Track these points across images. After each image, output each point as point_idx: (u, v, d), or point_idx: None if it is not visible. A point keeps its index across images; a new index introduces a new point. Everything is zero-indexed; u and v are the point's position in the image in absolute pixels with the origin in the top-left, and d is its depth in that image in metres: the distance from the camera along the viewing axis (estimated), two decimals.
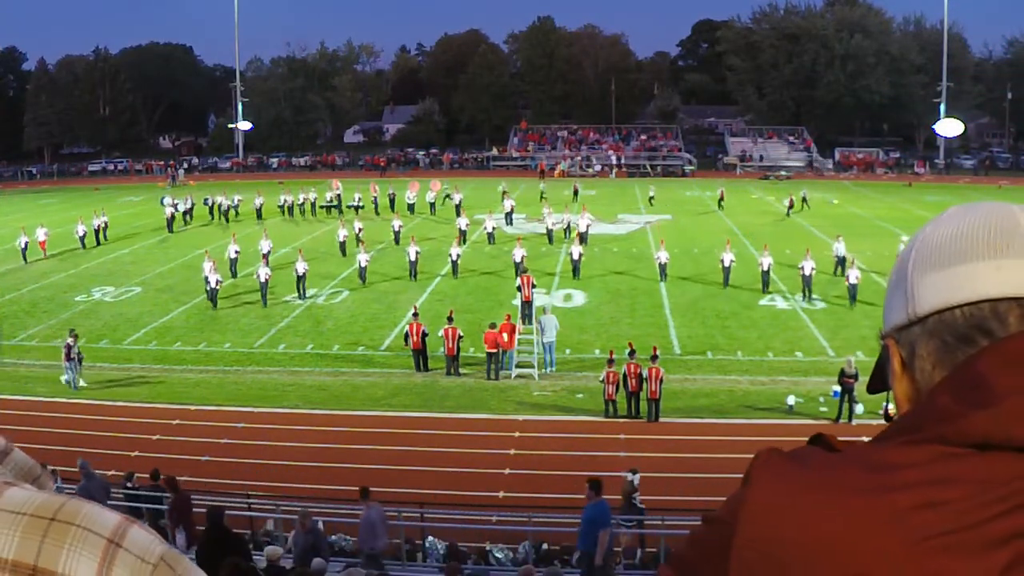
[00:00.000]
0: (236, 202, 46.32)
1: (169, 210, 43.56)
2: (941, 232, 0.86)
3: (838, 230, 34.68)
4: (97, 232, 40.09)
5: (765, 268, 28.54)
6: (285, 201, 46.47)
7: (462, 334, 21.67)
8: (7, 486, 0.79)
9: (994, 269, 0.81)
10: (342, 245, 34.97)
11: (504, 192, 47.61)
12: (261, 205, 45.22)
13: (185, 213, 44.97)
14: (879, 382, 0.96)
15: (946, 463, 0.75)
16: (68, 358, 21.34)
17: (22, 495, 0.78)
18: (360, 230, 36.83)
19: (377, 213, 45.78)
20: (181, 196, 47.53)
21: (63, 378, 21.66)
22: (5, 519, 0.75)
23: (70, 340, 21.65)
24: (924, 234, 0.89)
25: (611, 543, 11.62)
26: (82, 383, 21.50)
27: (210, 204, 46.36)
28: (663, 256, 30.26)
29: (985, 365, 0.79)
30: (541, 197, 49.25)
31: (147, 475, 14.44)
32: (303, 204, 46.59)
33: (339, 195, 46.98)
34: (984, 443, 0.75)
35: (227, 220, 44.71)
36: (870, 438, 0.85)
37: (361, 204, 46.17)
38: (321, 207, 46.81)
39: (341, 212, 44.56)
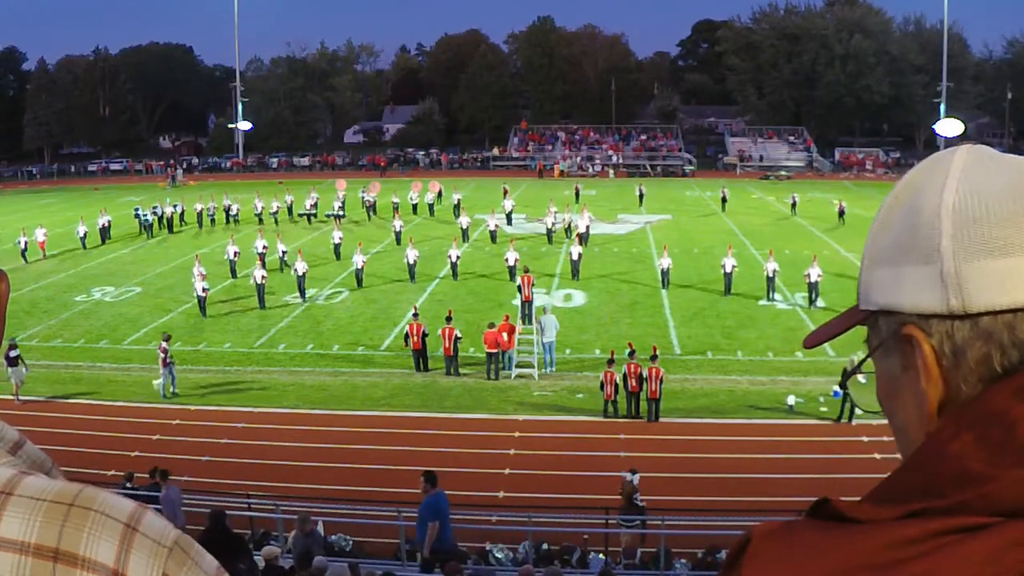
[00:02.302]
0: (235, 211, 44.46)
1: (150, 216, 42.03)
2: (987, 200, 0.68)
3: (839, 230, 34.68)
4: (103, 231, 40.12)
5: (770, 274, 27.70)
6: (262, 208, 43.94)
7: (460, 335, 21.67)
8: (24, 475, 0.82)
9: None
10: (336, 247, 34.71)
11: (505, 191, 47.62)
12: (262, 209, 43.97)
13: (161, 218, 42.88)
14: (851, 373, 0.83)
15: (970, 543, 0.60)
16: (165, 363, 20.57)
17: (40, 482, 0.81)
18: (340, 239, 35.13)
19: (369, 218, 44.61)
20: (162, 201, 45.65)
21: (156, 383, 20.93)
22: (26, 505, 0.78)
23: (164, 344, 20.88)
24: (956, 198, 0.69)
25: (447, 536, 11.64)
26: (173, 389, 20.82)
27: (199, 211, 44.31)
28: (665, 263, 29.57)
29: (1016, 404, 0.64)
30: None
31: (146, 475, 14.45)
32: (276, 212, 43.55)
33: (343, 201, 45.37)
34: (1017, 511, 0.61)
35: (228, 221, 44.28)
36: (881, 498, 0.69)
37: (342, 213, 43.62)
38: (300, 214, 44.65)
39: (340, 219, 42.36)
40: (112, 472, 15.94)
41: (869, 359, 0.80)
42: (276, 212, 43.66)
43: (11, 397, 20.38)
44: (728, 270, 28.64)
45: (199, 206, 44.18)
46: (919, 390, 0.71)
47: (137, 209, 43.80)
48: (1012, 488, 0.61)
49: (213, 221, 44.01)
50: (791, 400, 19.10)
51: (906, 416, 0.74)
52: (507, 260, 31.07)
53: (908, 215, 0.73)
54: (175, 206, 44.66)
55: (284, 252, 32.97)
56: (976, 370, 0.68)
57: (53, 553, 0.76)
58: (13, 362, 20.45)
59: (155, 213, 42.76)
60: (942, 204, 0.70)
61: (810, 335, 0.85)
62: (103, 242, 39.61)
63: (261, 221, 42.67)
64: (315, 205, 44.98)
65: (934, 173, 0.74)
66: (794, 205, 45.75)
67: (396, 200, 45.06)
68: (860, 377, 0.83)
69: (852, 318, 0.80)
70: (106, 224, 40.59)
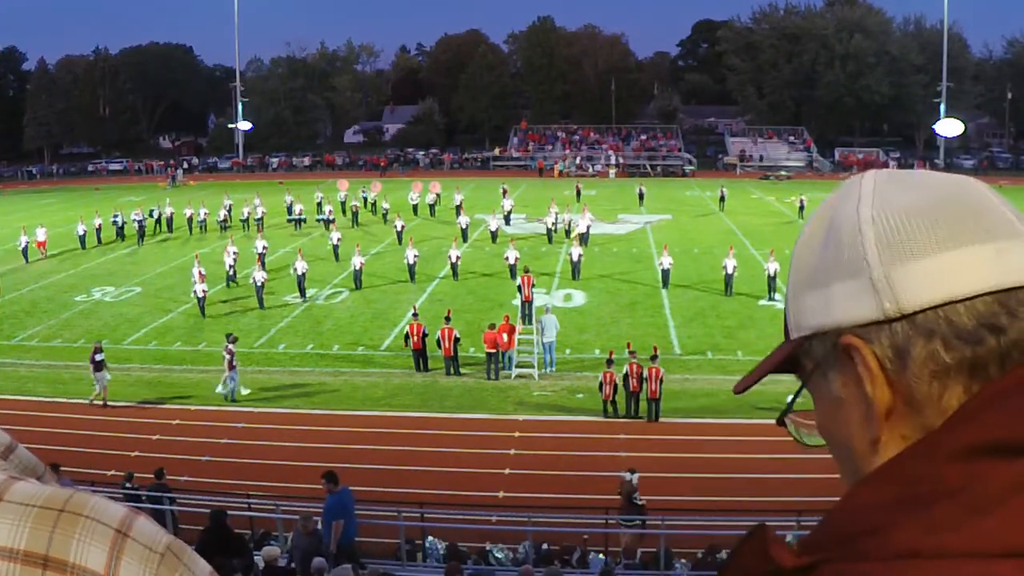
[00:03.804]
0: (223, 216, 43.02)
1: (134, 219, 40.54)
2: (905, 208, 0.72)
3: None
4: (99, 232, 39.99)
5: (772, 274, 27.72)
6: (249, 213, 42.77)
7: (458, 335, 21.67)
8: (13, 480, 0.81)
9: (993, 254, 0.69)
10: (335, 248, 34.55)
11: (504, 191, 47.61)
12: (248, 215, 42.71)
13: (140, 224, 40.74)
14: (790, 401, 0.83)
15: None
16: (231, 366, 20.21)
17: (30, 488, 0.80)
18: (339, 240, 34.80)
19: (355, 226, 42.13)
20: (144, 207, 43.31)
21: (218, 389, 20.54)
22: (15, 511, 0.77)
23: (231, 346, 20.45)
24: (874, 210, 0.73)
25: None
26: (244, 391, 20.49)
27: (169, 216, 43.11)
28: (666, 262, 29.54)
29: (968, 435, 0.65)
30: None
31: (150, 476, 14.47)
32: (261, 219, 41.95)
33: (342, 201, 44.59)
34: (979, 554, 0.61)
35: (223, 229, 42.43)
36: (805, 545, 0.69)
37: (332, 217, 41.55)
38: (289, 220, 43.28)
39: (331, 223, 40.51)
40: (112, 472, 15.95)
41: (805, 390, 0.81)
42: (261, 218, 41.88)
43: (99, 402, 20.10)
44: (730, 271, 28.56)
45: (188, 211, 42.29)
46: (865, 396, 0.72)
47: (116, 216, 41.52)
48: (911, 536, 0.62)
49: (204, 227, 42.36)
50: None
51: (848, 432, 0.75)
52: (507, 259, 31.07)
53: (828, 238, 0.75)
54: (152, 211, 42.95)
55: (264, 250, 32.24)
56: (925, 367, 0.69)
57: (42, 560, 0.74)
58: (99, 366, 20.08)
59: (136, 219, 40.53)
60: (860, 219, 0.73)
61: (739, 381, 0.86)
62: (99, 243, 39.55)
63: (260, 228, 40.40)
64: (301, 211, 43.42)
65: (848, 196, 0.76)
66: (802, 208, 44.05)
67: (387, 206, 44.03)
68: (799, 425, 0.85)
69: (781, 352, 0.81)
70: (97, 227, 40.10)
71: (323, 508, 11.87)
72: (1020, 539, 0.60)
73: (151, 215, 42.58)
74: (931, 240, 0.70)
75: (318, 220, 42.77)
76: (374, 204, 46.05)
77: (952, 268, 0.69)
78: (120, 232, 40.87)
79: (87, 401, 20.22)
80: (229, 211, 43.94)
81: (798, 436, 0.86)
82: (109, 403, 20.12)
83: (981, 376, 0.69)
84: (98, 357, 20.13)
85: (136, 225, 40.39)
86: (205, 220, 42.71)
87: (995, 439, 0.64)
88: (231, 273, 30.93)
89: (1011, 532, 0.60)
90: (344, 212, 44.82)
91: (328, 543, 11.51)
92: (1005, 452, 0.63)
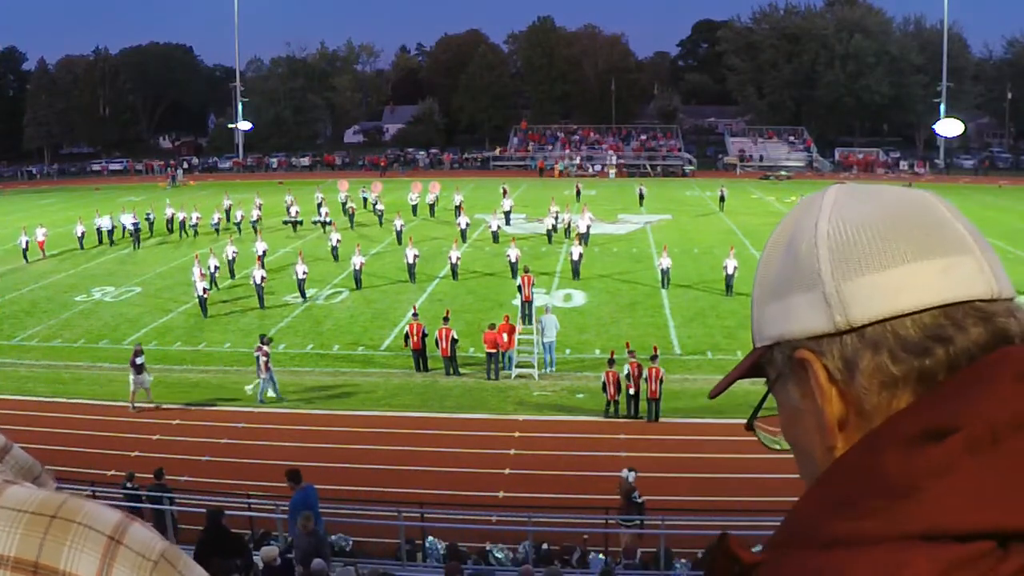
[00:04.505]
0: (217, 220, 41.37)
1: (124, 223, 39.89)
2: (859, 225, 0.74)
3: None
4: (99, 232, 39.83)
5: None
6: (242, 217, 42.09)
7: (456, 336, 21.67)
8: (7, 484, 0.80)
9: (940, 270, 0.72)
10: (334, 250, 34.49)
11: (504, 191, 47.60)
12: (258, 217, 42.17)
13: (113, 230, 40.09)
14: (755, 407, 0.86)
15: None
16: (267, 367, 20.00)
17: (23, 493, 0.78)
18: (338, 241, 34.66)
19: (352, 228, 41.30)
20: (128, 207, 42.79)
21: (248, 388, 20.48)
22: (6, 517, 0.76)
23: (266, 347, 20.20)
24: (830, 226, 0.76)
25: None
26: (271, 394, 20.20)
27: (169, 217, 42.01)
28: (665, 262, 29.61)
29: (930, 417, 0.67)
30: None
31: (150, 476, 14.46)
32: (257, 221, 41.29)
33: (345, 202, 44.06)
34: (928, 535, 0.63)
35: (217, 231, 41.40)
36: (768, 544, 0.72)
37: (328, 219, 40.81)
38: (285, 222, 42.61)
39: (328, 224, 40.05)
40: (112, 472, 15.95)
41: (771, 395, 0.85)
42: (257, 220, 41.42)
43: (149, 405, 19.89)
44: (730, 271, 28.59)
45: (173, 212, 41.44)
46: (817, 409, 0.75)
47: (97, 221, 40.21)
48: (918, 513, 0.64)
49: (196, 232, 41.20)
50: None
51: (808, 440, 0.78)
52: (509, 257, 31.09)
53: (788, 250, 0.79)
54: (148, 215, 41.96)
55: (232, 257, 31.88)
56: (873, 378, 0.72)
57: (33, 567, 0.73)
58: (139, 369, 19.80)
59: (132, 223, 39.73)
60: (817, 234, 0.76)
61: (715, 386, 0.90)
62: (99, 242, 39.48)
63: (256, 231, 39.70)
64: (297, 213, 42.91)
65: (809, 210, 0.79)
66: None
67: (381, 208, 43.41)
68: (764, 431, 0.89)
69: (748, 360, 0.85)
70: (97, 228, 39.87)
71: (288, 506, 12.03)
72: (935, 522, 0.62)
73: (147, 218, 41.73)
74: (882, 255, 0.72)
75: (314, 222, 42.35)
76: (376, 205, 45.49)
77: (900, 283, 0.72)
78: (110, 236, 39.78)
79: (131, 407, 19.73)
80: (228, 212, 43.13)
81: (765, 441, 0.89)
82: (138, 404, 19.80)
83: (930, 386, 0.71)
84: (138, 360, 19.74)
85: (132, 228, 39.54)
86: (196, 224, 41.63)
87: (926, 425, 0.67)
88: (213, 273, 30.07)
89: (927, 516, 0.62)
90: (344, 213, 44.61)
91: (298, 538, 11.56)
92: (932, 437, 0.65)
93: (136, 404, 19.84)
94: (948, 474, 0.63)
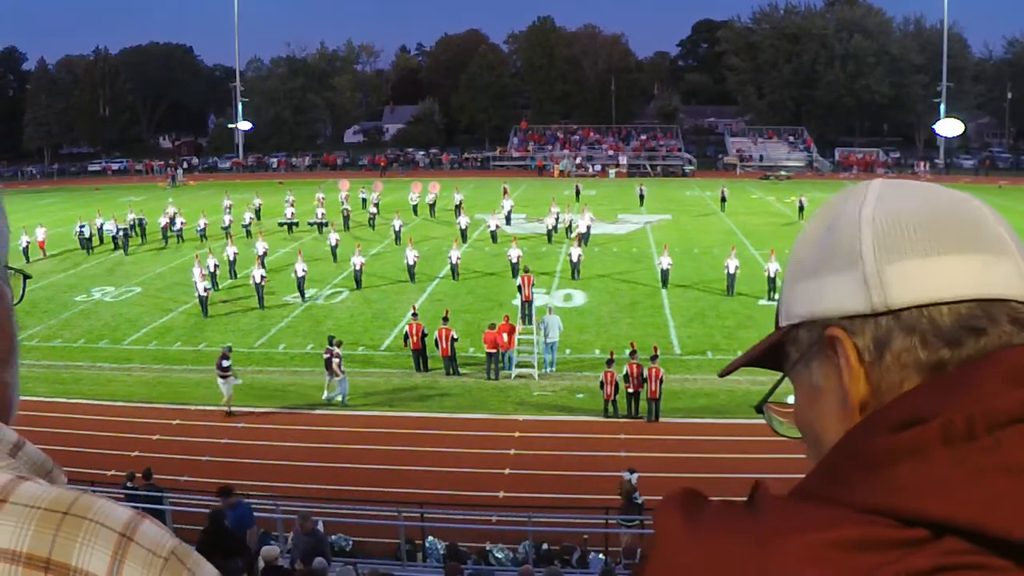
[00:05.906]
0: (204, 225, 39.75)
1: (108, 230, 38.76)
2: (904, 213, 0.76)
3: None
4: (100, 232, 39.60)
5: (771, 274, 27.60)
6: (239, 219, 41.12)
7: (456, 336, 21.65)
8: (21, 480, 0.80)
9: (981, 265, 0.73)
10: (333, 250, 34.39)
11: (505, 191, 47.57)
12: (251, 220, 41.58)
13: (99, 233, 39.10)
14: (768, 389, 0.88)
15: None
16: (340, 370, 19.72)
17: (36, 489, 0.79)
18: (337, 241, 34.50)
19: (347, 229, 40.56)
20: (110, 212, 41.13)
21: (326, 396, 20.02)
22: (19, 513, 0.76)
23: (337, 349, 19.85)
24: (875, 212, 0.77)
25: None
26: (338, 397, 19.88)
27: (163, 224, 39.83)
28: (665, 262, 29.54)
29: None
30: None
31: (140, 475, 14.47)
32: (249, 225, 40.50)
33: (345, 203, 43.54)
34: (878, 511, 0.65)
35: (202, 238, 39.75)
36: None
37: (324, 220, 40.20)
38: (280, 224, 42.08)
39: (324, 226, 39.66)
40: (112, 472, 15.94)
41: (786, 380, 0.86)
42: (249, 224, 40.83)
43: (224, 408, 19.44)
44: (731, 271, 28.49)
45: (179, 221, 40.14)
46: (841, 388, 0.76)
47: (81, 226, 38.80)
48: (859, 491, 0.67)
49: (180, 238, 39.68)
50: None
51: (825, 422, 0.79)
52: (510, 257, 31.08)
53: (829, 232, 0.80)
54: (141, 220, 41.19)
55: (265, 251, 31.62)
56: (899, 361, 0.73)
57: (44, 563, 0.74)
58: (225, 372, 19.28)
59: (100, 228, 39.22)
60: (861, 218, 0.77)
61: (728, 365, 0.91)
62: (101, 242, 39.41)
63: (249, 234, 39.11)
64: (293, 215, 42.49)
65: (853, 197, 0.81)
66: (801, 209, 43.64)
67: (375, 211, 42.88)
68: (775, 415, 0.90)
69: (770, 339, 0.86)
70: (99, 227, 39.48)
71: (232, 523, 11.64)
72: (887, 500, 0.64)
73: (140, 223, 40.89)
74: (924, 245, 0.74)
75: (310, 224, 41.89)
76: (376, 206, 44.72)
77: (941, 271, 0.73)
78: (88, 243, 38.47)
79: (226, 410, 19.37)
80: (229, 211, 42.34)
81: (774, 424, 0.90)
82: (234, 409, 19.42)
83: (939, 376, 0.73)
84: (225, 363, 19.28)
85: (122, 233, 38.37)
86: (181, 231, 40.18)
87: (914, 411, 0.69)
88: (213, 273, 29.84)
89: (882, 492, 0.65)
90: (341, 213, 44.28)
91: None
92: (916, 423, 0.67)
93: (232, 408, 19.36)
94: (917, 458, 0.65)
